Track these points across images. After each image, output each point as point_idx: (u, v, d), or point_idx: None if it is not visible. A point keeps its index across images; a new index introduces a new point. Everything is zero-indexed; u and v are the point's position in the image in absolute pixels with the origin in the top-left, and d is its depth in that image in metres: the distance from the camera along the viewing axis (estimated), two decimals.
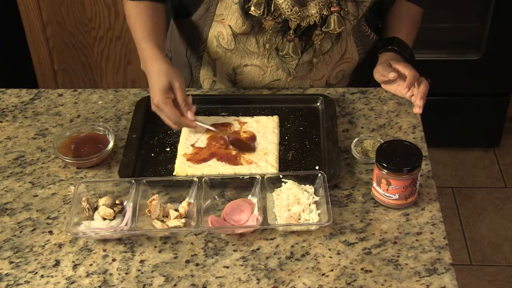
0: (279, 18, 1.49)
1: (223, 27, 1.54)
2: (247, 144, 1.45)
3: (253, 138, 1.47)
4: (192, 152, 1.44)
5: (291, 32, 1.51)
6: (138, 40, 1.52)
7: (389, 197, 1.31)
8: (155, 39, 1.50)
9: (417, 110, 1.51)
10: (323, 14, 1.49)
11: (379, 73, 1.55)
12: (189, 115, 1.44)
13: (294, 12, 1.48)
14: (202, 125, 1.46)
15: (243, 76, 1.62)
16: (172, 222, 1.29)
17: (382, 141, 1.40)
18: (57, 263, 1.25)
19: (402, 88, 1.51)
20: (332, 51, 1.59)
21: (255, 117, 1.53)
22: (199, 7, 1.55)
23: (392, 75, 1.50)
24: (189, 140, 1.47)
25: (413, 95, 1.53)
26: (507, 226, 2.63)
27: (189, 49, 1.68)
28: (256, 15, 1.48)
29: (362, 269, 1.22)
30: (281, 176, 1.35)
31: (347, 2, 1.50)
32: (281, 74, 1.60)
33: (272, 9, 1.48)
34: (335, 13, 1.49)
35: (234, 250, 1.26)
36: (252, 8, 1.47)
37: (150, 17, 1.54)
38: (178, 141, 1.47)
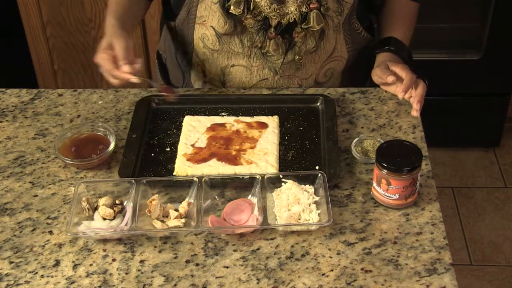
0: (259, 16, 1.50)
1: (205, 28, 1.54)
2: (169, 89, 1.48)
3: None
4: (192, 152, 1.44)
5: (272, 30, 1.52)
6: (108, 14, 1.56)
7: (389, 197, 1.31)
8: (119, 17, 1.53)
9: (415, 113, 1.51)
10: (302, 11, 1.50)
11: (377, 76, 1.55)
12: (125, 67, 1.41)
13: (273, 10, 1.48)
14: (138, 78, 1.42)
15: (231, 77, 1.62)
16: (172, 222, 1.29)
17: (382, 141, 1.40)
18: (57, 263, 1.25)
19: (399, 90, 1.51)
20: (319, 49, 1.59)
21: (255, 117, 1.53)
22: (181, 10, 1.56)
23: (390, 78, 1.50)
24: (189, 140, 1.47)
25: (411, 96, 1.53)
26: (507, 226, 2.63)
27: (179, 52, 1.69)
28: (236, 14, 1.48)
29: (362, 269, 1.22)
30: (281, 176, 1.35)
31: None
32: (267, 73, 1.60)
33: (252, 7, 1.48)
34: (315, 10, 1.49)
35: (234, 250, 1.26)
36: (232, 7, 1.47)
37: (124, 3, 1.58)
38: (178, 141, 1.47)
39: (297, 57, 1.57)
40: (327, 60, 1.62)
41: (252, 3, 1.48)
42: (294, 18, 1.50)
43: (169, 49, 1.73)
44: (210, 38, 1.55)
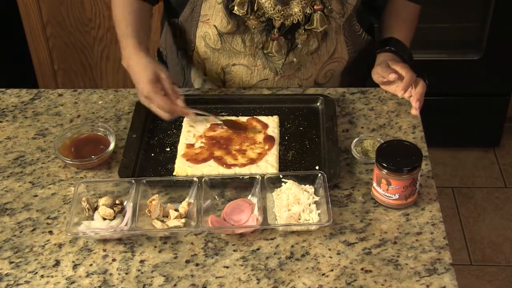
0: (263, 17, 1.50)
1: (208, 27, 1.54)
2: (239, 124, 1.47)
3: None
4: (192, 152, 1.44)
5: (276, 31, 1.51)
6: (121, 36, 1.54)
7: (389, 197, 1.31)
8: (138, 36, 1.52)
9: (414, 111, 1.51)
10: (306, 12, 1.49)
11: (377, 74, 1.55)
12: (180, 102, 1.46)
13: (277, 11, 1.48)
14: (195, 110, 1.48)
15: (232, 76, 1.62)
16: (172, 222, 1.29)
17: (382, 141, 1.40)
18: (57, 263, 1.25)
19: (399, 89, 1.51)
20: (320, 51, 1.59)
21: (255, 117, 1.53)
22: (184, 8, 1.56)
23: (392, 76, 1.50)
24: (189, 140, 1.47)
25: (411, 95, 1.53)
26: (507, 226, 2.63)
27: (180, 49, 1.69)
28: (240, 15, 1.48)
29: (362, 269, 1.22)
30: (281, 176, 1.35)
31: (331, 0, 1.50)
32: (268, 73, 1.60)
33: (255, 8, 1.48)
34: (318, 11, 1.49)
35: (234, 250, 1.26)
36: (236, 7, 1.47)
37: (135, 14, 1.56)
38: (178, 141, 1.47)
39: (295, 59, 1.57)
40: (328, 61, 1.62)
41: (256, 4, 1.48)
42: (298, 20, 1.50)
43: (170, 47, 1.73)
44: (212, 37, 1.55)
